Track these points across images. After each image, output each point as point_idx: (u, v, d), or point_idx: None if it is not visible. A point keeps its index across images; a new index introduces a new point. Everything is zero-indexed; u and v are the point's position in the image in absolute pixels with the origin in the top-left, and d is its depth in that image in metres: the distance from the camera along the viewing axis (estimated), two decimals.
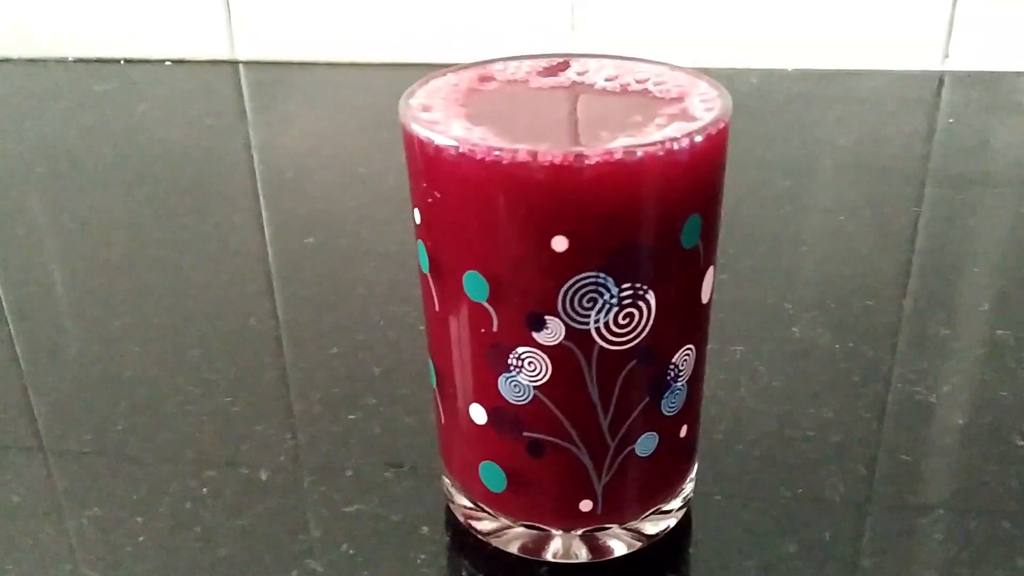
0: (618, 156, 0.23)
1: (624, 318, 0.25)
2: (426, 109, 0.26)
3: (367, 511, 0.32)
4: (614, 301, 0.25)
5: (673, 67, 0.28)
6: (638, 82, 0.28)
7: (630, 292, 0.25)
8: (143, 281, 0.47)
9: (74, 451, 0.35)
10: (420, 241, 0.27)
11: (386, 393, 0.38)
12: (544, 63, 0.30)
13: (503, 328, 0.25)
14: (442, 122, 0.25)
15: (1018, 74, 0.72)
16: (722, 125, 0.25)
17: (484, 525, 0.30)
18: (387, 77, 0.76)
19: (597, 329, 0.25)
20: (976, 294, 0.44)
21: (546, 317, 0.25)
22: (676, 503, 0.30)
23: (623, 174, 0.23)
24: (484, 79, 0.29)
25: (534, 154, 0.23)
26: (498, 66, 0.29)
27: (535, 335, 0.25)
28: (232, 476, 0.33)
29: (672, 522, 0.30)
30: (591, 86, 0.28)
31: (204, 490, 0.33)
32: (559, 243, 0.24)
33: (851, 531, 0.30)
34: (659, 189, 0.24)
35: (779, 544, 0.30)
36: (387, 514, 0.32)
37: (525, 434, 0.27)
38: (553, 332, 0.25)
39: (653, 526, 0.30)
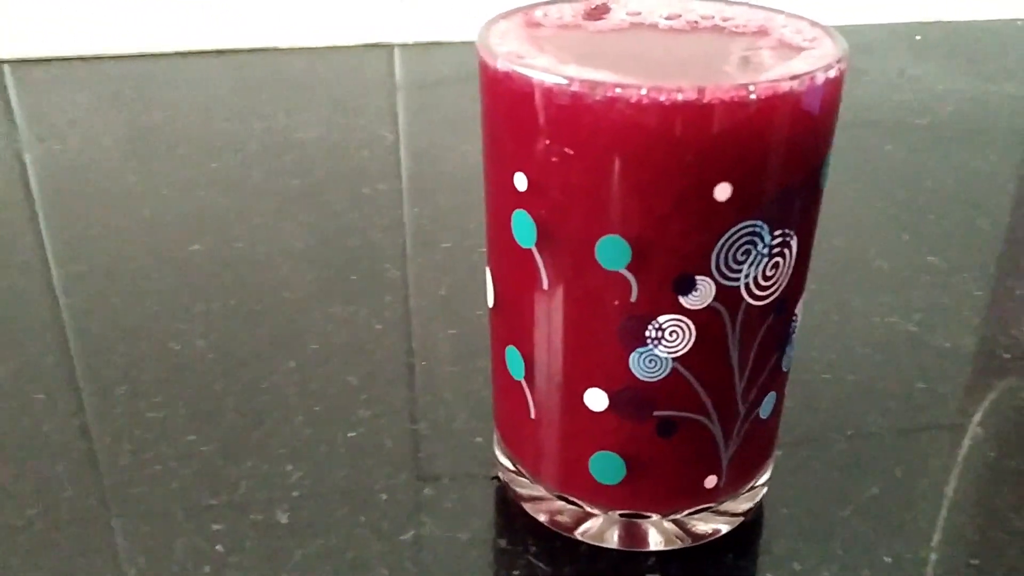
0: (785, 87, 0.21)
1: (771, 268, 0.23)
2: (520, 56, 0.23)
3: (427, 535, 0.28)
4: (765, 251, 0.23)
5: (729, 2, 0.27)
6: (704, 18, 0.26)
7: (780, 240, 0.23)
8: None
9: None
10: (521, 211, 0.23)
11: (376, 402, 0.33)
12: (582, 5, 0.27)
13: (644, 297, 0.22)
14: (554, 68, 0.22)
15: None
16: (846, 53, 0.23)
17: (571, 521, 0.27)
18: (186, 67, 0.68)
19: (747, 284, 0.23)
20: (887, 229, 0.46)
21: (696, 277, 0.22)
22: (768, 474, 0.28)
23: (788, 107, 0.21)
24: (533, 25, 0.25)
25: (701, 90, 0.20)
26: (538, 12, 0.26)
27: (681, 299, 0.23)
28: (245, 524, 0.28)
29: (764, 492, 0.29)
30: (655, 26, 0.26)
31: (219, 547, 0.27)
32: (722, 191, 0.21)
33: (916, 462, 0.30)
34: (814, 121, 0.22)
35: (859, 488, 0.29)
36: (452, 533, 0.28)
37: (655, 414, 0.24)
38: (702, 294, 0.22)
39: (747, 501, 0.28)
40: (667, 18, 0.26)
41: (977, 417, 0.32)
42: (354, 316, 0.38)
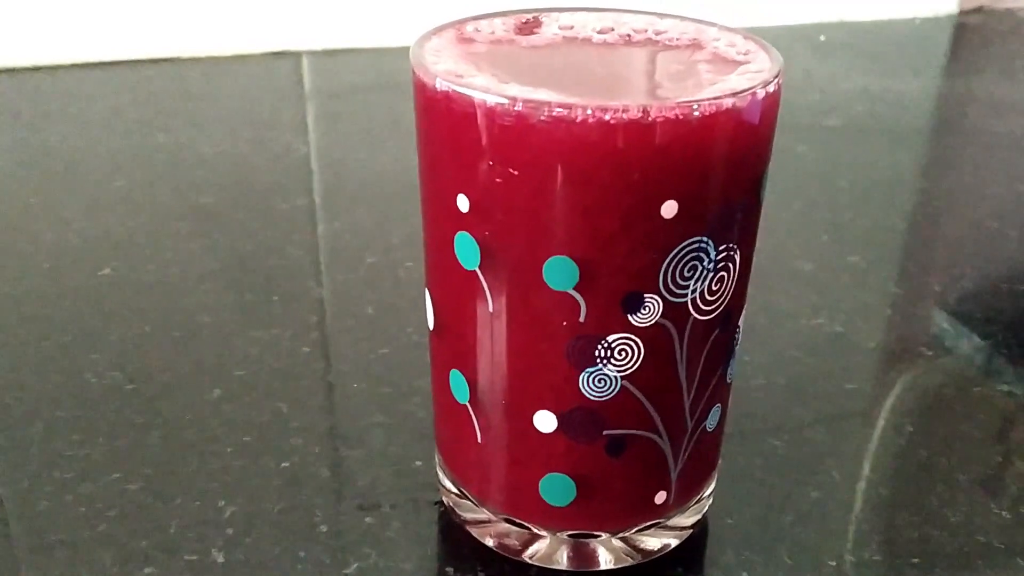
0: (728, 104, 0.21)
1: (716, 283, 0.23)
2: (457, 75, 0.22)
3: (371, 566, 0.27)
4: (711, 266, 0.22)
5: (661, 15, 0.26)
6: (636, 32, 0.26)
7: (724, 254, 0.23)
8: None
9: None
10: (464, 233, 0.23)
11: (308, 430, 0.32)
12: (514, 20, 0.26)
13: (592, 316, 0.22)
14: (493, 87, 0.21)
15: None
16: (783, 67, 0.23)
17: (519, 543, 0.26)
18: (82, 80, 0.65)
19: (693, 300, 0.23)
20: (806, 229, 0.47)
21: (645, 295, 0.22)
22: (712, 484, 0.28)
23: (732, 122, 0.21)
24: (465, 41, 0.25)
25: (646, 109, 0.20)
26: (469, 27, 0.26)
27: (630, 318, 0.22)
28: (179, 566, 0.26)
29: (709, 503, 0.29)
30: (588, 40, 0.25)
31: None
32: (668, 208, 0.21)
33: (852, 463, 0.31)
34: (755, 137, 0.22)
35: (800, 493, 0.30)
36: (397, 563, 0.27)
37: (606, 433, 0.24)
38: (650, 311, 0.22)
39: (692, 516, 0.28)
40: (600, 32, 0.26)
41: (905, 415, 0.33)
42: (278, 339, 0.37)
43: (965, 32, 0.83)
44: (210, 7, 0.68)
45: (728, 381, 0.26)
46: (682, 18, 0.26)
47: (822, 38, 0.78)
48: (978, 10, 0.86)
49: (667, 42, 0.25)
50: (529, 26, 0.26)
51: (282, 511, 0.29)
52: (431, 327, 0.26)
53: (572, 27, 0.26)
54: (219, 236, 0.45)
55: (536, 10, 0.27)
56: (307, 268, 0.42)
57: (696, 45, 0.25)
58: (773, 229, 0.46)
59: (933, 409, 0.34)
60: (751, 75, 0.22)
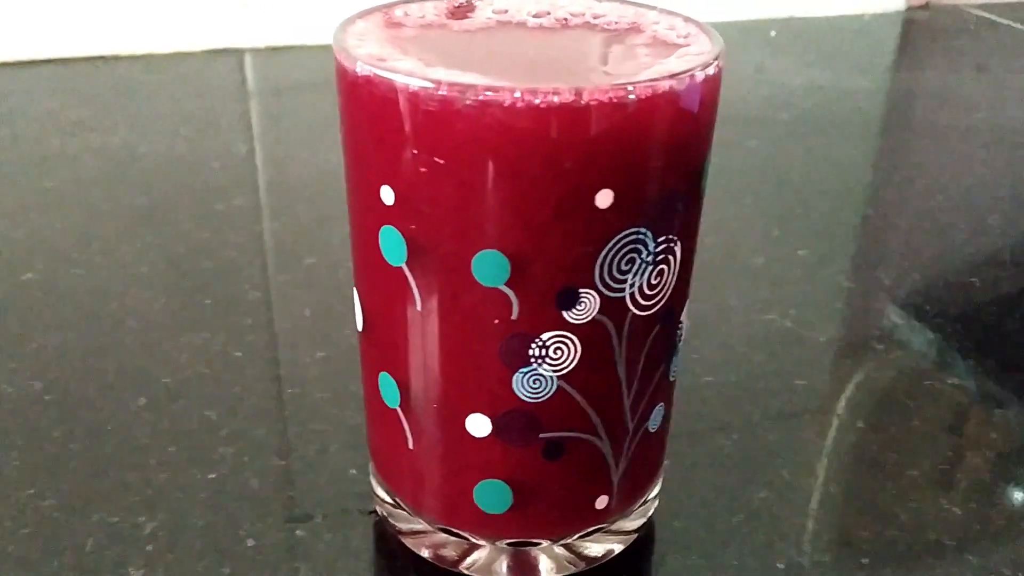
0: (665, 87, 0.20)
1: (656, 276, 0.22)
2: (381, 60, 0.21)
3: None
4: (649, 259, 0.21)
5: None
6: (574, 15, 0.25)
7: (664, 246, 0.22)
8: None
9: None
10: (389, 227, 0.21)
11: (238, 438, 0.30)
12: (445, 4, 0.25)
13: (525, 313, 0.21)
14: (418, 71, 0.20)
15: None
16: (723, 51, 0.22)
17: (455, 553, 0.25)
18: (14, 78, 0.63)
19: (631, 295, 0.22)
20: (758, 224, 0.46)
21: (580, 291, 0.21)
22: (658, 487, 0.27)
23: (669, 107, 0.20)
24: (393, 25, 0.24)
25: (578, 92, 0.19)
26: (398, 11, 0.24)
27: (565, 314, 0.21)
28: None
29: (655, 506, 0.27)
30: (523, 24, 0.24)
31: None
32: (603, 198, 0.20)
33: (802, 461, 0.30)
34: (693, 121, 0.21)
35: (749, 493, 0.29)
36: None
37: (541, 436, 0.23)
38: (586, 307, 0.21)
39: (638, 518, 0.27)
40: (535, 16, 0.25)
41: (856, 411, 0.32)
42: (210, 344, 0.35)
43: (913, 28, 0.83)
44: (149, 4, 0.66)
45: (671, 379, 0.25)
46: (621, 1, 0.25)
47: (773, 34, 0.78)
48: (925, 6, 0.86)
49: (605, 26, 0.24)
50: (462, 10, 0.25)
51: (207, 525, 0.27)
52: (360, 328, 0.25)
53: (506, 11, 0.25)
54: (152, 238, 0.43)
55: None
56: (243, 270, 0.40)
57: (635, 28, 0.24)
58: (724, 223, 0.46)
59: (884, 405, 0.33)
60: (690, 58, 0.21)
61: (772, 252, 0.43)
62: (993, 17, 0.86)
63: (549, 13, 0.25)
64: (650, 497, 0.27)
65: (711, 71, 0.21)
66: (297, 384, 0.33)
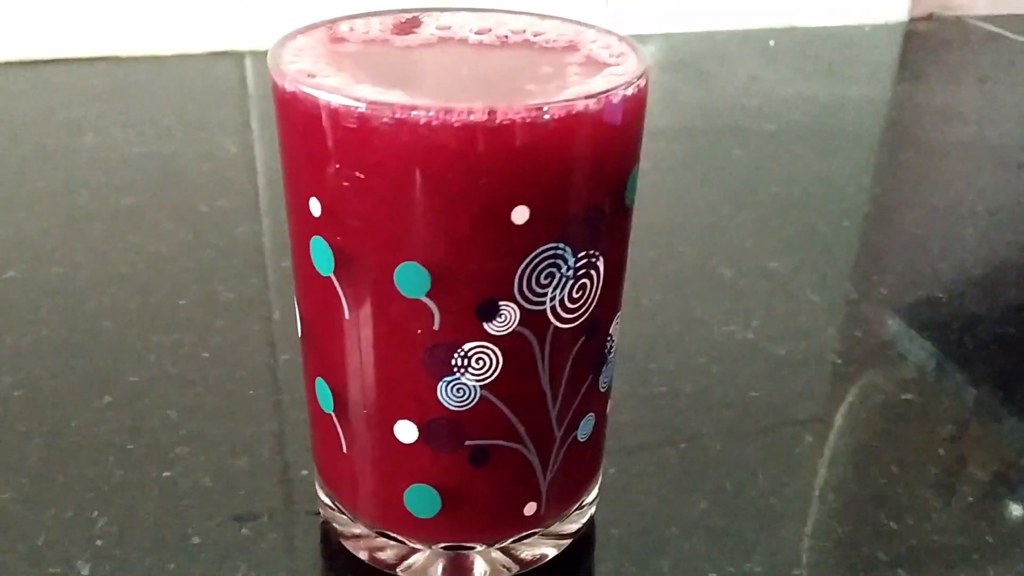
0: (580, 107, 0.20)
1: (578, 291, 0.22)
2: (310, 75, 0.21)
3: None
4: (569, 274, 0.22)
5: (542, 16, 0.26)
6: (514, 33, 0.25)
7: (584, 261, 0.22)
8: None
9: None
10: (318, 238, 0.22)
11: (196, 438, 0.31)
12: (392, 20, 0.26)
13: (447, 324, 0.22)
14: (344, 88, 0.21)
15: (669, 35, 0.78)
16: (649, 70, 0.23)
17: (392, 555, 0.26)
18: (15, 78, 0.64)
19: (553, 308, 0.22)
20: (732, 235, 0.46)
21: (500, 303, 0.21)
22: (594, 493, 0.28)
23: (586, 125, 0.20)
24: (336, 40, 0.24)
25: (491, 112, 0.19)
26: (343, 26, 0.25)
27: (486, 326, 0.22)
28: None
29: (592, 512, 0.28)
30: (464, 41, 0.25)
31: None
32: (519, 214, 0.20)
33: (746, 473, 0.30)
34: (613, 139, 0.21)
35: (689, 503, 0.29)
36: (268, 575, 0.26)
37: (467, 443, 0.23)
38: (507, 319, 0.22)
39: (575, 522, 0.27)
40: (477, 32, 0.25)
41: (807, 425, 0.33)
42: (179, 344, 0.36)
43: (915, 40, 0.83)
44: (151, 5, 0.67)
45: (602, 390, 0.25)
46: (563, 19, 0.26)
47: (771, 43, 0.78)
48: (928, 18, 0.86)
49: (543, 44, 0.25)
50: (407, 25, 0.26)
51: (156, 522, 0.28)
52: (299, 334, 0.25)
53: (450, 27, 0.25)
54: (134, 238, 0.44)
55: (419, 10, 0.26)
56: (219, 272, 0.41)
57: (572, 47, 0.24)
58: (696, 234, 0.46)
59: (833, 417, 0.33)
60: (614, 77, 0.22)
61: (742, 263, 0.43)
62: (998, 30, 0.85)
63: (491, 30, 0.25)
64: (586, 503, 0.27)
65: (630, 91, 0.21)
66: (259, 386, 0.34)
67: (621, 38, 0.24)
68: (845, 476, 0.30)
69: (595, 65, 0.23)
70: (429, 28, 0.25)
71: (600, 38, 0.25)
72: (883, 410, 0.34)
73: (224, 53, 0.70)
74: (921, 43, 0.83)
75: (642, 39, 0.77)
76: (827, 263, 0.44)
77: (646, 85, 0.22)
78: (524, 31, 0.25)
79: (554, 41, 0.25)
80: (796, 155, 0.57)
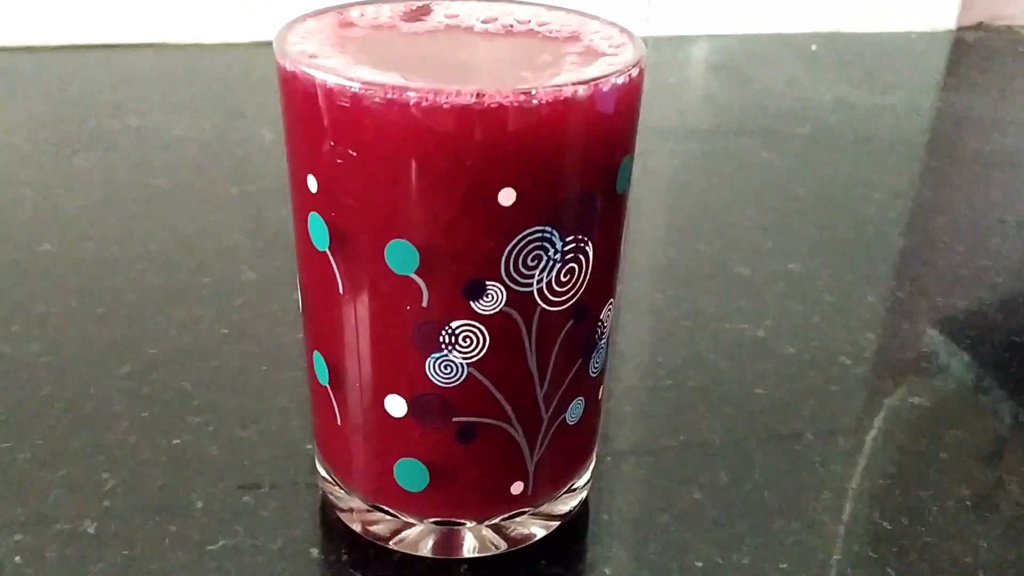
0: (568, 93, 0.21)
1: (566, 275, 0.23)
2: (312, 56, 0.22)
3: (237, 544, 0.27)
4: (558, 257, 0.22)
5: (550, 7, 0.26)
6: (520, 22, 0.26)
7: (573, 245, 0.23)
8: None
9: None
10: (314, 214, 0.23)
11: (209, 408, 0.32)
12: (403, 7, 0.26)
13: (435, 301, 0.22)
14: (342, 68, 0.21)
15: (712, 36, 0.78)
16: (644, 60, 0.23)
17: (384, 529, 0.27)
18: (68, 62, 0.66)
19: (540, 290, 0.23)
20: (753, 235, 0.46)
21: (487, 283, 0.22)
22: (587, 476, 0.28)
23: (575, 112, 0.21)
24: (345, 25, 0.25)
25: (479, 95, 0.20)
26: (354, 12, 0.26)
27: (473, 305, 0.22)
28: (49, 535, 0.27)
29: (584, 495, 0.29)
30: (470, 29, 0.25)
31: (17, 559, 0.26)
32: (506, 196, 0.21)
33: (742, 468, 0.31)
34: (603, 127, 0.22)
35: (683, 493, 0.29)
36: (263, 543, 0.27)
37: (455, 420, 0.24)
38: (493, 299, 0.22)
39: (565, 504, 0.28)
40: (484, 21, 0.26)
41: (806, 422, 0.33)
42: (200, 320, 0.37)
43: (962, 48, 0.82)
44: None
45: (592, 375, 0.26)
46: (569, 11, 0.26)
47: (813, 47, 0.77)
48: (978, 27, 0.85)
49: (547, 33, 0.25)
50: (417, 13, 0.26)
51: (163, 486, 0.29)
52: (300, 308, 0.26)
53: (458, 15, 0.26)
54: (165, 217, 0.45)
55: None
56: (243, 252, 0.42)
57: (574, 37, 0.25)
58: (718, 233, 0.46)
59: (836, 417, 0.33)
60: (606, 67, 0.22)
61: (760, 264, 0.43)
62: None
63: (497, 19, 0.26)
64: (578, 485, 0.28)
65: (620, 80, 0.22)
66: (272, 362, 0.35)
67: (622, 30, 0.25)
68: (841, 475, 0.30)
69: (593, 55, 0.24)
70: (438, 16, 0.26)
71: (603, 29, 0.25)
72: (888, 413, 0.34)
73: (267, 43, 0.71)
74: (969, 52, 0.82)
75: (684, 41, 0.77)
76: (846, 266, 0.44)
77: (639, 75, 0.23)
78: (529, 21, 0.26)
79: (557, 31, 0.25)
80: (826, 159, 0.56)
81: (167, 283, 0.40)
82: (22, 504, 0.28)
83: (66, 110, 0.58)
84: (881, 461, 0.31)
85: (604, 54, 0.24)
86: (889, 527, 0.28)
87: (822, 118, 0.63)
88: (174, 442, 0.31)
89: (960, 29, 0.84)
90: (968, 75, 0.78)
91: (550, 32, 0.25)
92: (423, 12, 0.26)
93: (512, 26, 0.26)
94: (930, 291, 0.42)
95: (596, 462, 0.30)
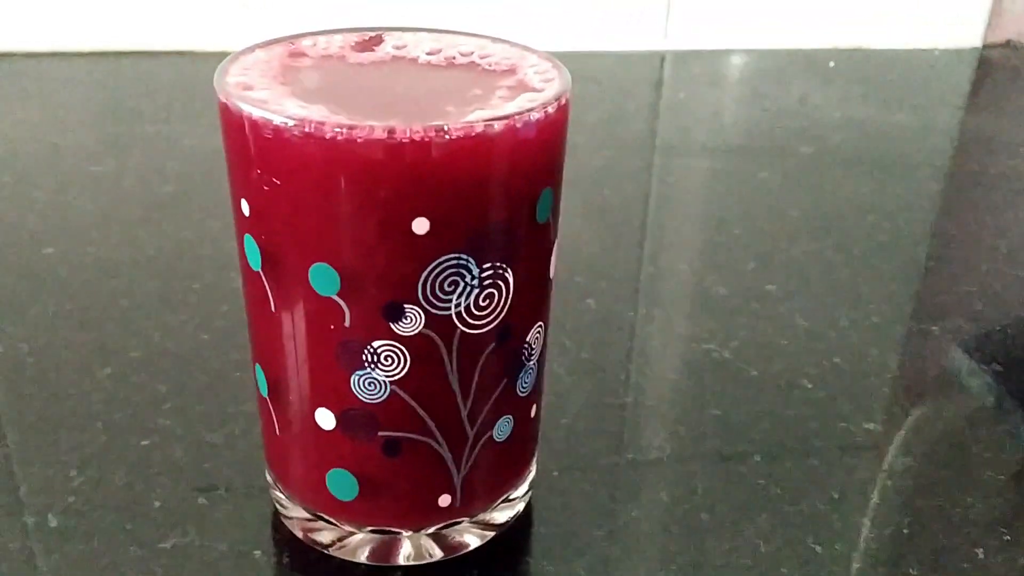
0: (479, 129, 0.22)
1: (485, 299, 0.24)
2: (247, 87, 0.24)
3: (186, 544, 0.28)
4: (475, 283, 0.24)
5: (495, 39, 0.27)
6: (463, 55, 0.27)
7: (491, 272, 0.24)
8: None
9: None
10: (248, 236, 0.24)
11: (179, 412, 0.34)
12: (356, 37, 0.28)
13: (356, 322, 0.23)
14: (272, 100, 0.23)
15: (729, 52, 0.78)
16: (568, 94, 0.24)
17: (325, 536, 0.28)
18: (95, 67, 0.69)
19: (458, 314, 0.24)
20: (736, 255, 0.47)
21: (405, 306, 0.23)
22: (523, 488, 0.29)
23: (486, 148, 0.22)
24: (295, 55, 0.26)
25: (391, 131, 0.21)
26: (307, 41, 0.27)
27: (393, 326, 0.23)
28: (15, 527, 0.29)
29: (521, 507, 0.30)
30: (415, 60, 0.27)
31: None
32: (420, 225, 0.22)
33: (684, 488, 0.31)
34: (519, 161, 0.23)
35: (622, 510, 0.30)
36: (211, 543, 0.28)
37: (380, 434, 0.25)
38: (412, 321, 0.23)
39: (502, 514, 0.29)
40: (429, 53, 0.27)
41: (755, 445, 0.33)
42: (185, 325, 0.39)
43: (988, 67, 0.81)
44: (224, 4, 0.71)
45: (520, 394, 0.27)
46: (512, 44, 0.27)
47: (831, 64, 0.77)
48: (1004, 44, 0.84)
49: (486, 66, 0.26)
50: (368, 44, 0.28)
51: (126, 485, 0.30)
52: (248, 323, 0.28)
53: (406, 46, 0.27)
54: (166, 224, 0.47)
55: (383, 29, 0.28)
56: (235, 261, 0.44)
57: (510, 71, 0.26)
58: (698, 252, 0.47)
59: (785, 440, 0.34)
60: (527, 102, 0.23)
61: (739, 284, 0.44)
62: None
63: (442, 51, 0.27)
64: (514, 496, 0.29)
65: (535, 116, 0.23)
66: (246, 369, 0.36)
67: (555, 64, 0.26)
68: (781, 498, 0.31)
69: (521, 89, 0.25)
70: (386, 47, 0.27)
71: (539, 63, 0.26)
72: (840, 438, 0.34)
73: None
74: (995, 71, 0.81)
75: (701, 56, 0.77)
76: (825, 290, 0.44)
77: (560, 110, 0.24)
78: (472, 53, 0.27)
79: (497, 64, 0.26)
80: (827, 179, 0.56)
81: (159, 288, 0.41)
82: None
83: (89, 116, 0.61)
84: (825, 487, 0.32)
85: (532, 89, 0.25)
86: (820, 551, 0.29)
87: (827, 137, 0.63)
88: (142, 443, 0.32)
89: (986, 47, 0.83)
90: (993, 95, 0.78)
91: (489, 65, 0.26)
92: (375, 43, 0.28)
93: (455, 58, 0.27)
94: (909, 318, 0.42)
95: (543, 475, 0.31)
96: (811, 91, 0.72)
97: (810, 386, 0.37)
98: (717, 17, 0.77)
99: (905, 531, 0.30)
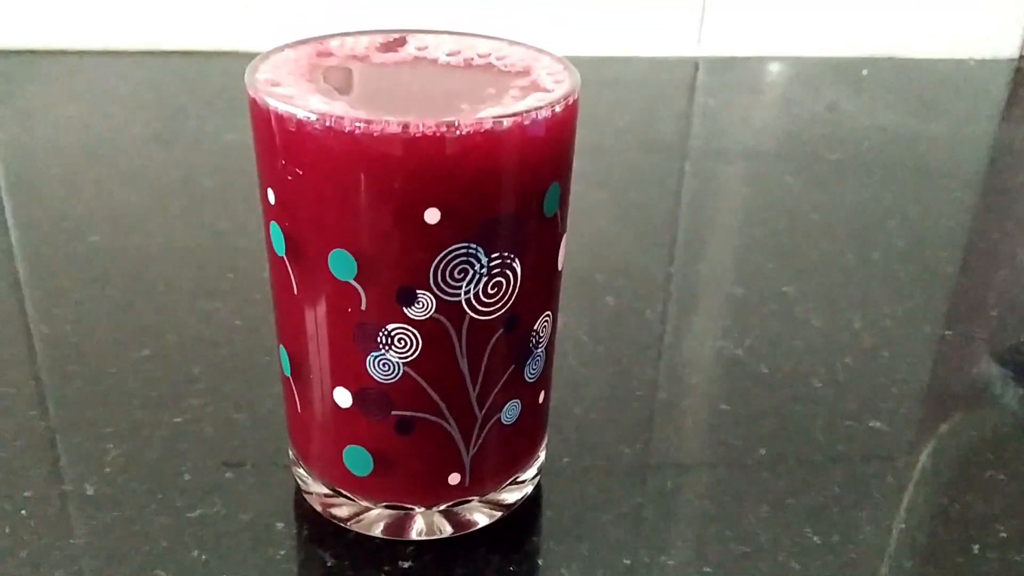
0: (488, 125, 0.23)
1: (493, 288, 0.25)
2: (275, 84, 0.25)
3: (213, 514, 0.30)
4: (484, 271, 0.25)
5: (512, 42, 0.29)
6: (480, 56, 0.28)
7: (499, 261, 0.25)
8: None
9: None
10: (274, 223, 0.26)
11: (210, 392, 0.36)
12: (381, 39, 0.29)
13: (372, 306, 0.25)
14: (297, 96, 0.24)
15: (763, 59, 0.79)
16: (577, 95, 0.26)
17: (343, 511, 0.29)
18: (145, 65, 0.71)
19: (467, 300, 0.25)
20: (755, 256, 0.48)
21: (417, 291, 0.25)
22: (532, 471, 0.31)
23: (495, 143, 0.23)
24: (322, 54, 0.28)
25: (405, 125, 0.23)
26: (335, 42, 0.29)
27: (406, 310, 0.25)
28: (53, 494, 0.31)
29: (529, 489, 0.31)
30: (435, 61, 0.28)
31: (23, 512, 0.30)
32: (432, 215, 0.24)
33: (689, 477, 0.32)
34: (527, 157, 0.24)
35: (628, 498, 0.31)
36: (235, 514, 0.30)
37: (394, 413, 0.27)
38: (424, 306, 0.25)
39: (511, 495, 0.30)
40: (449, 54, 0.28)
41: (763, 441, 0.34)
42: (218, 311, 0.41)
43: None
44: (272, 4, 0.74)
45: (528, 380, 0.28)
46: (528, 47, 0.29)
47: (864, 72, 0.78)
48: None
49: (502, 67, 0.28)
50: (392, 45, 0.29)
51: (159, 458, 0.32)
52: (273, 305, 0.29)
53: (427, 47, 0.29)
54: (205, 215, 0.49)
55: (408, 31, 0.30)
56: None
57: (525, 72, 0.27)
58: (722, 253, 0.48)
59: (791, 438, 0.35)
60: (536, 101, 0.25)
61: (756, 285, 0.45)
62: None
63: (461, 52, 0.29)
64: (524, 479, 0.30)
65: (543, 114, 0.24)
66: (274, 353, 0.38)
67: (567, 66, 0.27)
68: (783, 490, 0.32)
69: (533, 89, 0.26)
70: (409, 48, 0.29)
71: (552, 65, 0.28)
72: (845, 434, 0.35)
73: None
74: None
75: (734, 62, 0.78)
76: (840, 293, 0.45)
77: (567, 109, 0.25)
78: (490, 55, 0.28)
79: (512, 65, 0.28)
80: (850, 186, 0.57)
81: (196, 277, 0.43)
82: (37, 466, 0.32)
83: (139, 112, 0.63)
84: (827, 481, 0.33)
85: (543, 89, 0.26)
86: (819, 542, 0.30)
87: (854, 145, 0.63)
88: (175, 420, 0.34)
89: (1023, 58, 0.83)
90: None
91: (504, 66, 0.28)
92: (398, 44, 0.29)
93: (473, 59, 0.28)
94: (918, 321, 0.43)
95: (553, 461, 0.32)
96: (842, 99, 0.72)
97: (819, 384, 0.38)
98: (750, 25, 0.78)
99: (903, 526, 0.31)
